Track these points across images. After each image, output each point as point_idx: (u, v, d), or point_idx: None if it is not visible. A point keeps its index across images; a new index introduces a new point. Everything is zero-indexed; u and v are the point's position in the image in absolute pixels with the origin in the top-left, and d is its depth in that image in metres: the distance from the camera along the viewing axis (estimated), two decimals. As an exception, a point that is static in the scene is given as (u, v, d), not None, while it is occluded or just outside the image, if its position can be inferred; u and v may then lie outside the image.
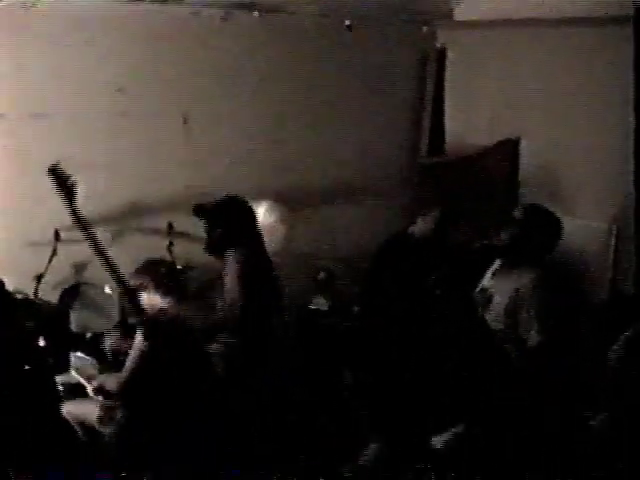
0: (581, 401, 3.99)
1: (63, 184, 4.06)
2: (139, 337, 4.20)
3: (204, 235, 5.54)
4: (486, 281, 4.51)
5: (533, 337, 4.14)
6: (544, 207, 4.57)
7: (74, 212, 4.02)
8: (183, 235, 5.69)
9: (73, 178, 4.09)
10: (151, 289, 4.36)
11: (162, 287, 4.37)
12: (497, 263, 4.52)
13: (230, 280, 4.45)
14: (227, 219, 4.60)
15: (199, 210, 4.69)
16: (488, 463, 3.03)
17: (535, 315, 4.17)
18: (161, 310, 4.31)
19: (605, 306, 5.33)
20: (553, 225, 4.46)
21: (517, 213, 4.49)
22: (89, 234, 3.96)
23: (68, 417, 4.46)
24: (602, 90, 5.59)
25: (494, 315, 4.31)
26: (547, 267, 4.36)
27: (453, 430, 3.14)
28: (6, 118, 5.45)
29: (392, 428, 2.57)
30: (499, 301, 4.33)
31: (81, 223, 3.99)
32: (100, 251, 3.96)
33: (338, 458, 3.27)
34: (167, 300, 4.34)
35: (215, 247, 4.63)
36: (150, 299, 4.37)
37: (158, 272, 4.41)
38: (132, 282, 4.46)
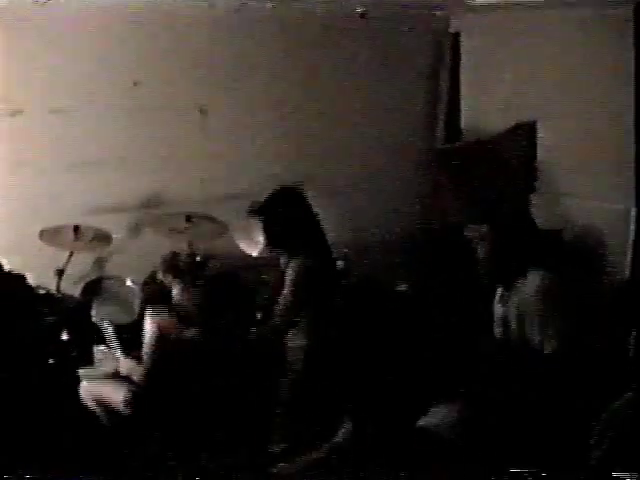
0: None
1: None
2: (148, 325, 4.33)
3: (223, 225, 5.63)
4: (497, 310, 4.29)
5: (548, 344, 3.94)
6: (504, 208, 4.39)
7: None
8: (202, 226, 5.70)
9: None
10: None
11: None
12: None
13: (287, 287, 4.51)
14: (280, 214, 4.62)
15: (253, 211, 4.77)
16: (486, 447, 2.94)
17: (542, 323, 3.96)
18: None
19: (625, 289, 5.31)
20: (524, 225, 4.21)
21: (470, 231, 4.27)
22: None
23: (88, 397, 4.52)
24: (620, 70, 5.56)
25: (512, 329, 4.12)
26: (553, 268, 4.10)
27: (447, 409, 3.02)
28: (25, 114, 5.50)
29: (365, 405, 2.48)
30: (510, 314, 4.14)
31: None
32: None
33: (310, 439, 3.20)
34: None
35: (276, 244, 4.67)
36: None
37: (174, 266, 4.56)
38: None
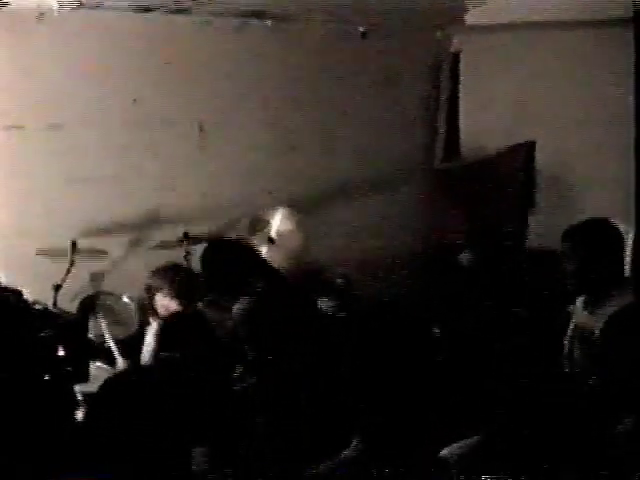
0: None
1: None
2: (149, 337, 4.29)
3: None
4: (579, 316, 3.85)
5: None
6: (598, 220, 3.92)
7: None
8: (199, 244, 5.68)
9: None
10: (166, 291, 4.45)
11: (177, 290, 4.44)
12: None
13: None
14: (217, 265, 4.42)
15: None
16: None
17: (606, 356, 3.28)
18: (174, 313, 4.38)
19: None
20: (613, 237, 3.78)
21: (566, 245, 3.81)
22: None
23: None
24: (618, 91, 5.58)
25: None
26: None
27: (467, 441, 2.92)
28: (24, 129, 5.50)
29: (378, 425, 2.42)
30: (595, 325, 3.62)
31: None
32: None
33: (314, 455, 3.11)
34: (180, 302, 4.42)
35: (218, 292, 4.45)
36: (163, 301, 4.46)
37: (176, 276, 4.50)
38: (149, 282, 4.58)
